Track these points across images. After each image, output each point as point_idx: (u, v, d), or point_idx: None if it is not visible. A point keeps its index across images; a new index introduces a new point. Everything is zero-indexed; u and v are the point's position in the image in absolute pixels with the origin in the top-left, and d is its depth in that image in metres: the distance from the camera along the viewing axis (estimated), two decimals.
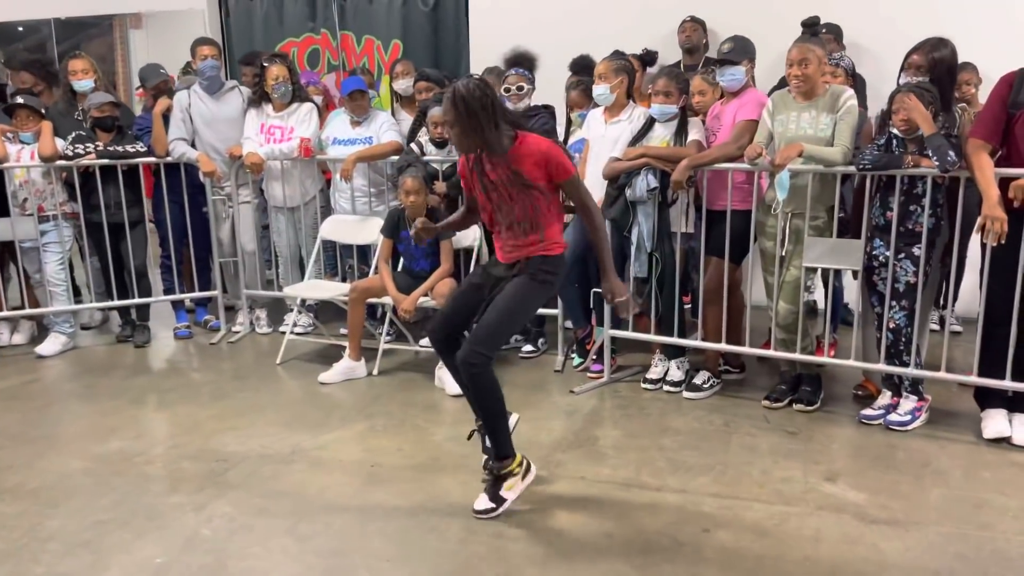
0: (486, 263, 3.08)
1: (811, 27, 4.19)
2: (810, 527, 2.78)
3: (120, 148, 4.92)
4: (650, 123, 3.96)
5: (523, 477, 2.92)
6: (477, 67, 5.79)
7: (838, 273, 3.95)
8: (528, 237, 2.84)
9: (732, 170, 3.78)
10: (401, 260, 4.61)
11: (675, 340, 4.04)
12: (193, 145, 5.09)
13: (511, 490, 2.89)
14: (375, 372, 4.46)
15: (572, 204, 2.93)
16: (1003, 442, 3.41)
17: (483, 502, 2.88)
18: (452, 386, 4.13)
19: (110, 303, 5.20)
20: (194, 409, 4.01)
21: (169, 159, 5.04)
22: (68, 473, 3.30)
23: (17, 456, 3.47)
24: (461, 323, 3.00)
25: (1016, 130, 3.23)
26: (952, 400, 3.89)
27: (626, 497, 3.02)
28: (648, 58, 5.29)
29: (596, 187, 4.13)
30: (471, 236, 4.61)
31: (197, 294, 5.38)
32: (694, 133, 3.91)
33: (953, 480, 3.13)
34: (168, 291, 5.33)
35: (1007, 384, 3.38)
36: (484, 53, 6.09)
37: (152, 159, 5.02)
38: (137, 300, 5.15)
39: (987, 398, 3.55)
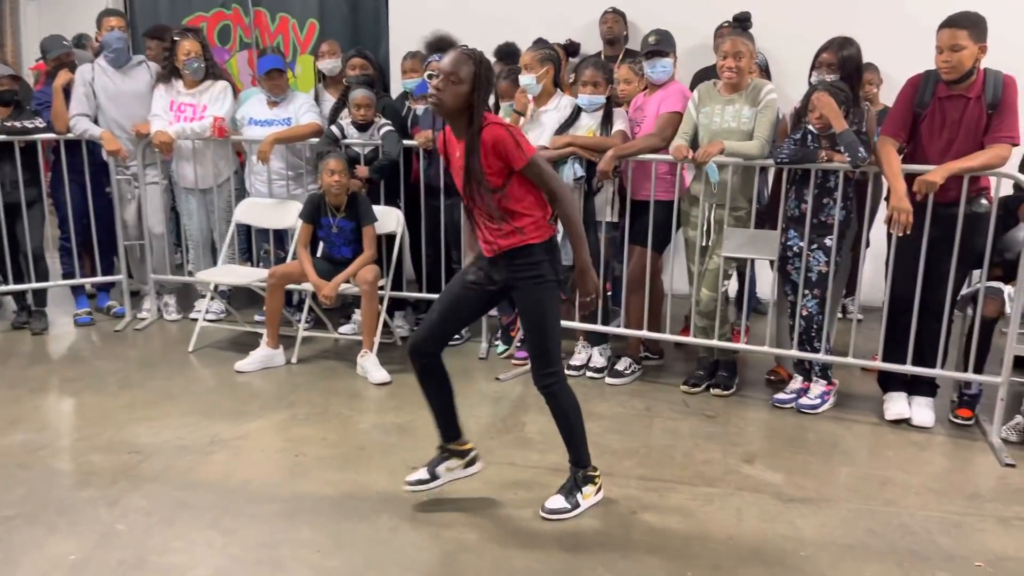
0: (475, 263, 2.79)
1: (742, 22, 4.30)
2: (732, 507, 2.89)
3: (18, 124, 4.63)
4: (576, 112, 4.00)
5: (597, 491, 2.87)
6: (397, 51, 5.68)
7: (752, 263, 4.10)
8: (502, 227, 2.62)
9: (656, 161, 3.86)
10: (320, 246, 4.51)
11: (599, 328, 4.11)
12: (96, 121, 4.83)
13: (588, 499, 2.82)
14: (294, 360, 4.36)
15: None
16: (903, 423, 3.62)
17: (558, 501, 2.79)
18: (375, 374, 4.09)
19: (5, 287, 4.88)
20: (102, 399, 3.82)
21: (70, 136, 4.77)
22: None
23: None
24: (451, 332, 2.88)
25: (921, 128, 3.42)
26: (855, 384, 4.10)
27: (555, 482, 3.02)
28: (571, 48, 5.33)
29: None
30: (394, 222, 4.56)
31: (101, 278, 5.11)
32: (619, 124, 3.97)
33: (860, 459, 3.31)
34: (68, 275, 5.05)
35: (908, 368, 3.59)
36: (405, 36, 5.99)
37: (52, 135, 4.74)
38: (34, 284, 4.86)
39: (889, 382, 3.76)
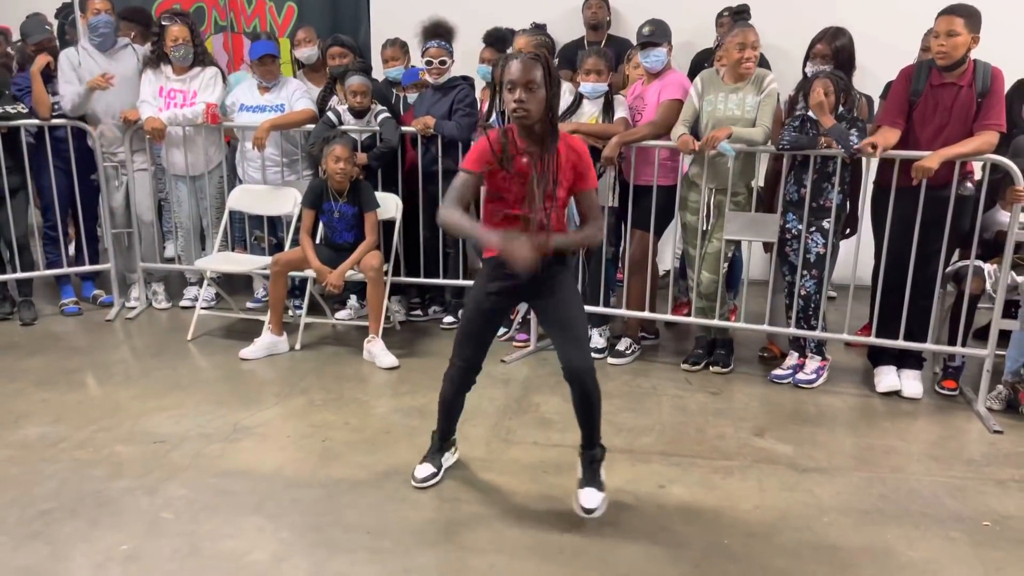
0: (488, 272, 2.73)
1: (741, 14, 4.43)
2: (752, 478, 3.04)
3: None
4: (578, 100, 4.08)
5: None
6: (379, 35, 5.68)
7: (739, 245, 4.25)
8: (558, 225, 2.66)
9: (659, 147, 3.98)
10: (320, 231, 4.52)
11: (602, 309, 4.23)
12: None
13: (604, 473, 2.80)
14: (297, 347, 4.38)
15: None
16: (894, 395, 3.84)
17: (594, 498, 2.71)
18: (384, 359, 4.14)
19: None
20: (110, 390, 3.79)
21: (56, 121, 4.65)
22: None
23: None
24: (489, 342, 2.85)
25: (914, 115, 3.62)
26: (840, 358, 4.31)
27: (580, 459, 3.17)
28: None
29: None
30: (392, 208, 4.59)
31: (89, 267, 5.02)
32: (621, 111, 4.07)
33: (860, 430, 3.50)
34: (53, 264, 4.94)
35: (901, 343, 3.80)
36: (387, 19, 6.00)
37: (35, 121, 4.63)
38: (20, 274, 4.75)
39: (879, 356, 3.97)
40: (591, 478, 2.77)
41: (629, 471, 3.08)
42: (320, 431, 3.38)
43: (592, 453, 2.79)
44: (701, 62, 4.93)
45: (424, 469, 2.94)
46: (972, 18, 3.44)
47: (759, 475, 3.07)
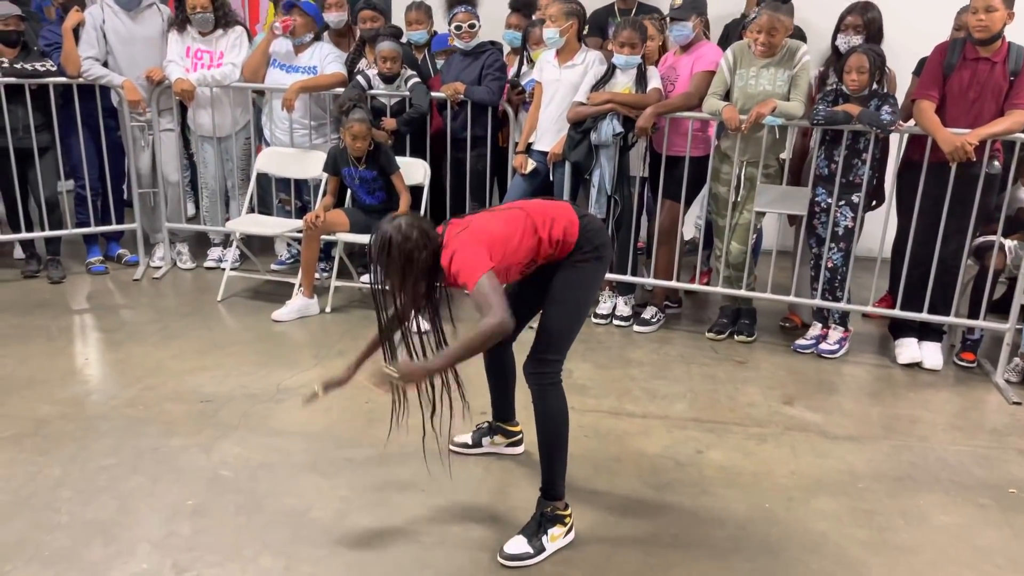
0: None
1: None
2: (786, 445, 3.15)
3: (28, 66, 4.48)
4: (611, 70, 4.11)
5: (566, 533, 2.48)
6: (400, 0, 5.63)
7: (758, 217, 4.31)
8: (541, 260, 2.44)
9: (692, 118, 4.03)
10: (348, 194, 4.56)
11: (630, 278, 4.31)
12: (106, 64, 4.72)
13: (555, 542, 2.43)
14: (328, 309, 4.44)
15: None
16: (914, 366, 3.95)
17: (519, 545, 2.40)
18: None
19: (21, 235, 4.78)
20: (149, 349, 3.85)
21: (82, 80, 4.64)
22: (43, 419, 3.13)
23: None
24: (521, 321, 2.60)
25: (947, 88, 3.70)
26: (859, 329, 4.41)
27: (618, 424, 3.28)
28: None
29: (549, 131, 4.27)
30: (420, 174, 4.62)
31: (116, 226, 5.04)
32: (654, 82, 4.10)
33: (886, 399, 3.62)
34: (81, 224, 4.96)
35: (925, 316, 3.90)
36: None
37: (63, 79, 4.61)
38: (48, 232, 4.78)
39: (900, 329, 4.08)
40: (529, 528, 2.45)
41: (667, 436, 3.18)
42: (362, 393, 3.41)
43: (542, 505, 2.47)
44: (729, 33, 4.95)
45: (463, 436, 2.88)
46: None
47: (792, 442, 3.18)
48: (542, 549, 2.41)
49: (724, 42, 4.73)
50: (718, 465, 2.98)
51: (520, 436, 3.00)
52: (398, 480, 2.79)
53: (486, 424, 3.02)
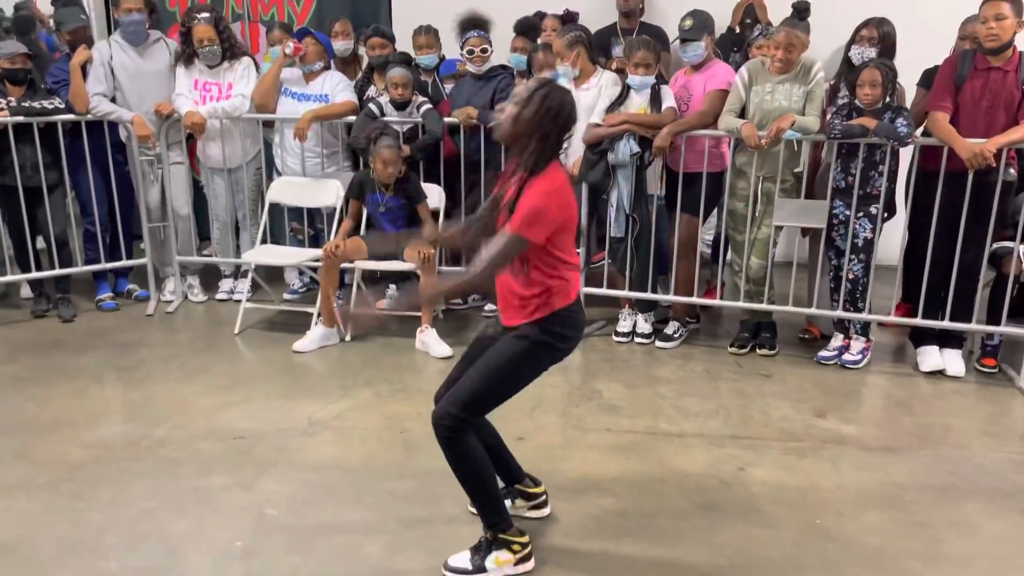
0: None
1: (801, 12, 4.48)
2: (826, 459, 3.16)
3: (36, 104, 4.45)
4: (626, 90, 4.14)
5: (518, 562, 2.44)
6: (399, 25, 5.64)
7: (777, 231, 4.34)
8: (524, 290, 2.32)
9: (708, 136, 4.06)
10: (366, 222, 4.55)
11: (650, 295, 4.32)
12: (114, 100, 4.69)
13: (500, 566, 2.42)
14: (348, 338, 4.41)
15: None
16: (938, 374, 3.98)
17: (461, 560, 2.44)
18: (438, 349, 4.19)
19: (32, 275, 4.72)
20: (172, 386, 3.81)
21: (91, 117, 4.61)
22: (75, 463, 3.08)
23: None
24: None
25: (960, 99, 3.75)
26: (877, 339, 4.42)
27: (656, 444, 3.27)
28: (568, 18, 5.40)
29: (564, 152, 4.27)
30: (436, 198, 4.62)
31: (126, 262, 4.99)
32: (668, 101, 4.13)
33: (916, 409, 3.63)
34: (91, 261, 4.91)
35: (947, 324, 3.94)
36: (404, 10, 5.99)
37: (72, 116, 4.58)
38: (58, 271, 4.72)
39: (922, 337, 4.11)
40: (475, 546, 2.47)
41: (707, 454, 3.18)
42: (396, 423, 3.44)
43: (484, 531, 2.47)
44: (720, 48, 4.96)
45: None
46: (1016, 2, 3.58)
47: (831, 456, 3.18)
48: (482, 570, 2.43)
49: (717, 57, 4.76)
50: (762, 482, 2.98)
51: (544, 498, 2.75)
52: (444, 513, 2.76)
53: (504, 489, 2.71)
